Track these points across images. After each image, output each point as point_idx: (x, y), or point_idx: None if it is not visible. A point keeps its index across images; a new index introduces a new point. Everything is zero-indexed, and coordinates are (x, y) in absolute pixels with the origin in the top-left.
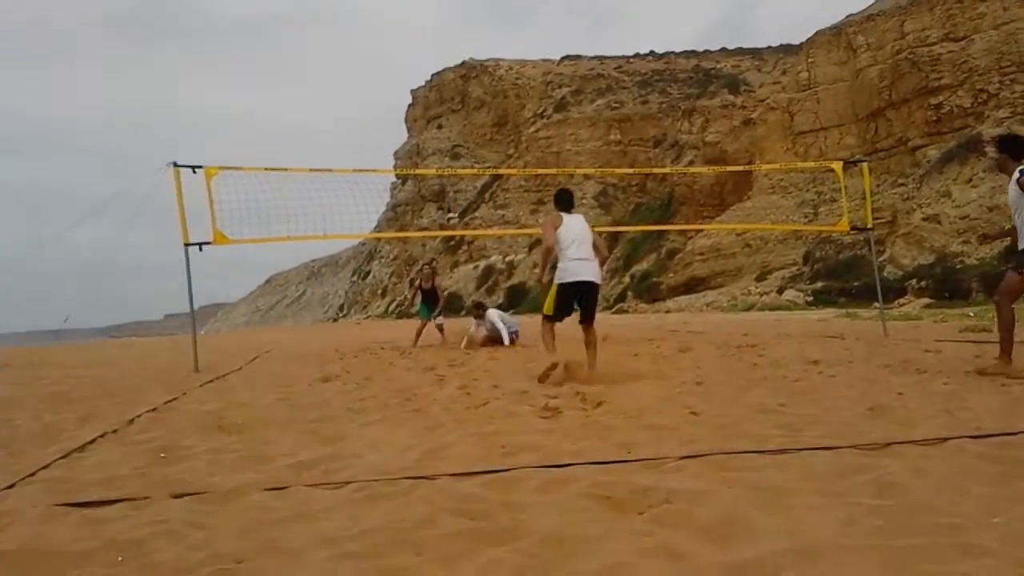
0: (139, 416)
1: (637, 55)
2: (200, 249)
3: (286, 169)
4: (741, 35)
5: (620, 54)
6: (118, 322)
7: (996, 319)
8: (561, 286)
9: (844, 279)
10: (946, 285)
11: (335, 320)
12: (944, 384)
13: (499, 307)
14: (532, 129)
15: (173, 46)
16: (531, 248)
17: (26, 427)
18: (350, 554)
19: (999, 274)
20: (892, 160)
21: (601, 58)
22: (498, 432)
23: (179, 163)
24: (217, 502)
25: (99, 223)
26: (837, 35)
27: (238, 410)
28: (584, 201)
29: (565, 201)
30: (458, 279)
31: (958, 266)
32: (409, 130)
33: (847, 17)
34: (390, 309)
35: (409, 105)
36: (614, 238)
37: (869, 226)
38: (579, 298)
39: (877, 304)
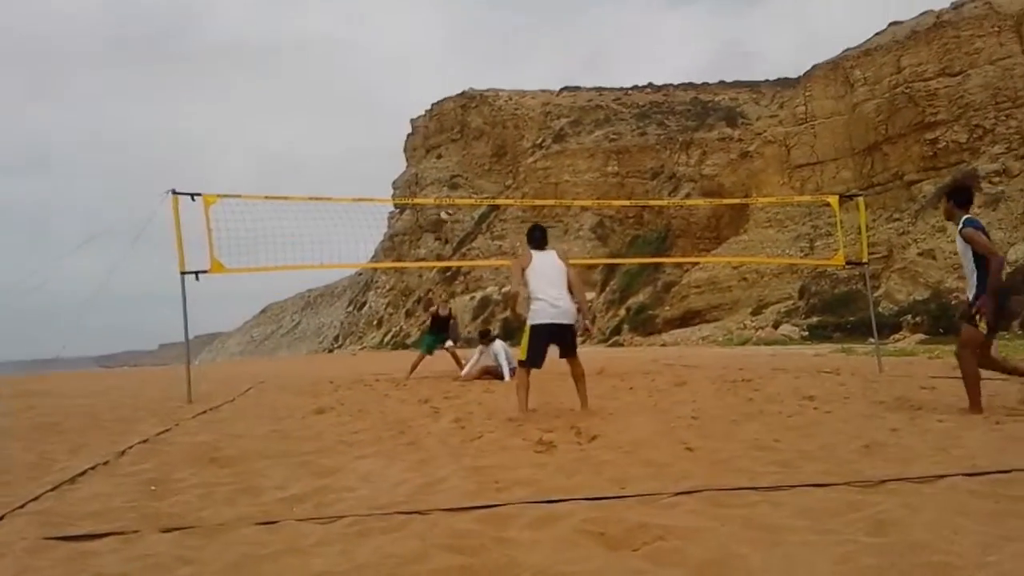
0: (131, 448)
1: (635, 87)
2: (197, 278)
3: (285, 197)
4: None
5: (619, 86)
6: (112, 351)
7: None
8: (532, 327)
9: (839, 314)
10: (941, 321)
11: (330, 351)
12: (939, 421)
13: (495, 338)
14: (530, 159)
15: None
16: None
17: (16, 458)
18: None
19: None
20: (888, 195)
21: (600, 89)
22: (492, 466)
23: (178, 191)
24: (207, 536)
25: (96, 250)
26: (834, 69)
27: (231, 442)
28: (581, 233)
29: (536, 239)
30: (454, 310)
31: (953, 302)
32: (408, 159)
33: (844, 51)
34: (386, 340)
35: (408, 134)
36: (610, 270)
37: (864, 261)
38: (553, 339)
39: (872, 339)
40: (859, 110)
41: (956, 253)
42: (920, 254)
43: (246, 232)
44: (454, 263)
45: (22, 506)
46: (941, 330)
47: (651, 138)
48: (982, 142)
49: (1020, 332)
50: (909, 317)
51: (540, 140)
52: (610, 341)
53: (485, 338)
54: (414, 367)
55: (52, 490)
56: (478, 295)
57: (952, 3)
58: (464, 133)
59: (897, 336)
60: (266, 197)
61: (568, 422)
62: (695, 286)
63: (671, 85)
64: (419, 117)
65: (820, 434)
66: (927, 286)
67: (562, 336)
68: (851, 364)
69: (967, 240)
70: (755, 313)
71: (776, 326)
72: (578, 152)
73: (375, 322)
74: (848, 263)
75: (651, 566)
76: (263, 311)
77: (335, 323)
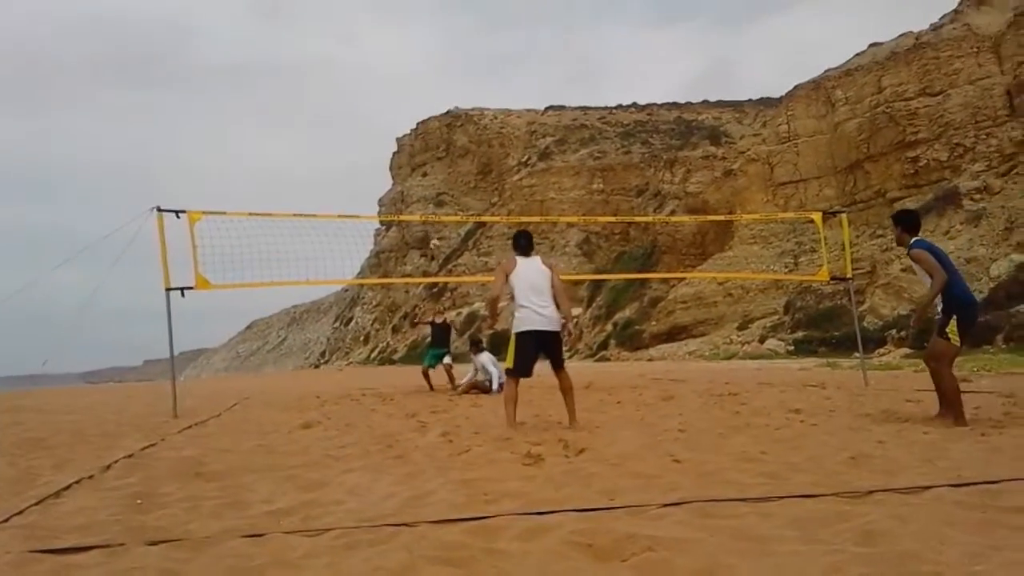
0: (116, 462)
1: (620, 106)
2: (182, 294)
3: (270, 214)
4: (722, 88)
5: (603, 105)
6: (97, 367)
7: (937, 387)
8: (518, 335)
9: (824, 329)
10: (926, 335)
11: (316, 366)
12: (924, 433)
13: (484, 349)
14: (516, 177)
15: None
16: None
17: (1, 473)
18: None
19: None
20: (871, 211)
21: (585, 108)
22: (480, 479)
23: (163, 207)
24: (193, 549)
25: (80, 266)
26: (816, 89)
27: (217, 456)
28: (567, 249)
29: (522, 245)
30: (449, 318)
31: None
32: (394, 177)
33: (826, 72)
34: (372, 356)
35: (394, 152)
36: (597, 286)
37: (849, 276)
38: (540, 347)
39: (857, 354)
40: (841, 129)
41: None
42: (904, 270)
43: (232, 248)
44: (440, 279)
45: (6, 520)
46: (926, 344)
47: (636, 156)
48: (963, 160)
49: (1004, 346)
50: (894, 332)
51: (525, 158)
52: (597, 356)
53: (476, 347)
54: (427, 377)
55: (37, 504)
56: (464, 311)
57: (931, 25)
58: (450, 151)
59: (882, 350)
60: (251, 214)
61: (556, 435)
62: (681, 301)
63: (655, 104)
64: (405, 135)
65: (807, 446)
66: (911, 301)
67: (549, 344)
68: (837, 378)
69: (914, 260)
70: (741, 328)
71: (762, 341)
72: (563, 170)
73: (362, 338)
74: (833, 278)
75: None
76: (249, 327)
77: (321, 339)
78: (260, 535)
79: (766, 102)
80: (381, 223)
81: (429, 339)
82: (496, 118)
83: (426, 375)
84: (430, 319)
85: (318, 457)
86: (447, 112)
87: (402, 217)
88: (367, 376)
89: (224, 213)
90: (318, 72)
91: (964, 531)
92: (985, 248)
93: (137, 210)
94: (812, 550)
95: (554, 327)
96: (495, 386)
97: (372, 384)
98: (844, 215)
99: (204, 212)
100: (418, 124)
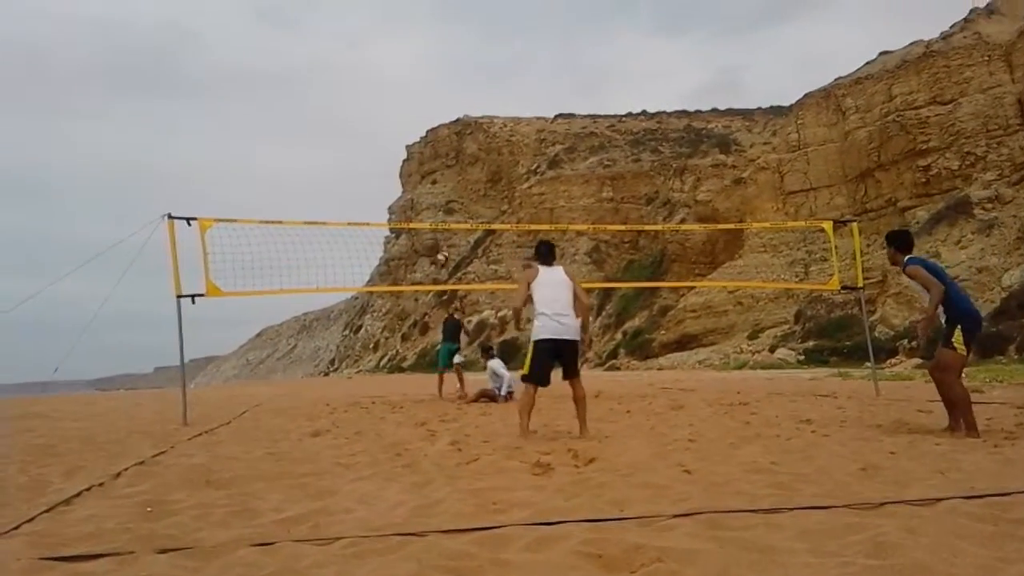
0: (126, 469)
1: (629, 114)
2: (193, 301)
3: (280, 222)
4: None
5: (613, 113)
6: (107, 374)
7: (944, 398)
8: (536, 343)
9: (835, 338)
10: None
11: (326, 374)
12: (936, 445)
13: (495, 355)
14: (525, 185)
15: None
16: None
17: (12, 480)
18: None
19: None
20: (882, 220)
21: (594, 116)
22: (489, 488)
23: (174, 215)
24: (203, 558)
25: (91, 274)
26: (826, 97)
27: (226, 464)
28: (577, 257)
29: (544, 253)
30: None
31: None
32: (404, 185)
33: (836, 80)
34: (382, 364)
35: (404, 160)
36: (606, 294)
37: (860, 286)
38: (557, 355)
39: (869, 364)
40: (851, 137)
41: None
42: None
43: (242, 256)
44: (450, 286)
45: (17, 527)
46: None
47: (645, 164)
48: (974, 169)
49: (1016, 357)
50: (905, 341)
51: (535, 166)
52: (607, 365)
53: (487, 353)
54: (441, 382)
55: (47, 511)
56: (475, 319)
57: (941, 33)
58: (459, 159)
59: (893, 360)
60: (262, 221)
61: (566, 445)
62: (691, 310)
63: (664, 112)
64: (414, 143)
65: (818, 457)
66: (922, 311)
67: (566, 352)
68: (848, 388)
69: (910, 277)
70: (751, 337)
71: (772, 350)
72: (573, 178)
73: (371, 345)
74: (843, 288)
75: None
76: (259, 335)
77: (331, 347)
78: (270, 544)
79: (776, 110)
80: (391, 231)
81: (441, 339)
82: (506, 126)
83: (442, 380)
84: (447, 314)
85: (327, 465)
86: (457, 120)
87: (412, 225)
88: (376, 384)
89: (234, 220)
90: (327, 78)
91: (976, 544)
92: (997, 258)
93: (142, 216)
94: (822, 562)
95: (573, 336)
96: (504, 391)
97: (382, 392)
98: (855, 224)
99: (215, 219)
100: (428, 132)
